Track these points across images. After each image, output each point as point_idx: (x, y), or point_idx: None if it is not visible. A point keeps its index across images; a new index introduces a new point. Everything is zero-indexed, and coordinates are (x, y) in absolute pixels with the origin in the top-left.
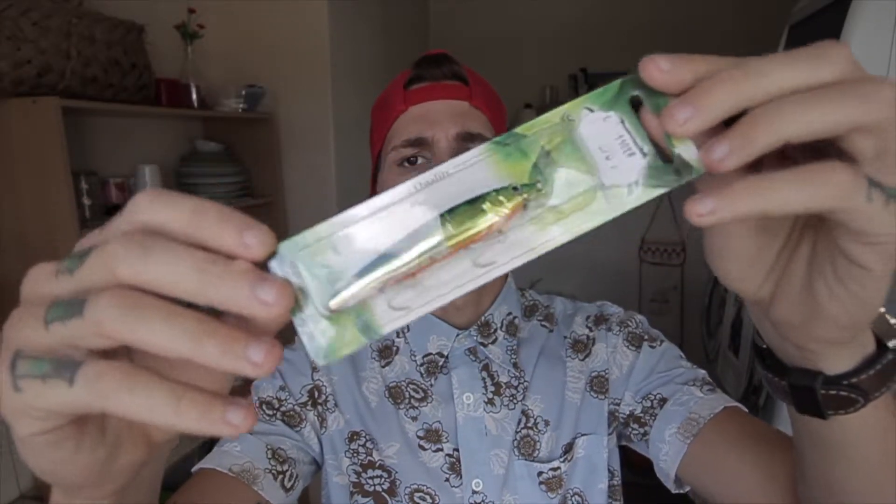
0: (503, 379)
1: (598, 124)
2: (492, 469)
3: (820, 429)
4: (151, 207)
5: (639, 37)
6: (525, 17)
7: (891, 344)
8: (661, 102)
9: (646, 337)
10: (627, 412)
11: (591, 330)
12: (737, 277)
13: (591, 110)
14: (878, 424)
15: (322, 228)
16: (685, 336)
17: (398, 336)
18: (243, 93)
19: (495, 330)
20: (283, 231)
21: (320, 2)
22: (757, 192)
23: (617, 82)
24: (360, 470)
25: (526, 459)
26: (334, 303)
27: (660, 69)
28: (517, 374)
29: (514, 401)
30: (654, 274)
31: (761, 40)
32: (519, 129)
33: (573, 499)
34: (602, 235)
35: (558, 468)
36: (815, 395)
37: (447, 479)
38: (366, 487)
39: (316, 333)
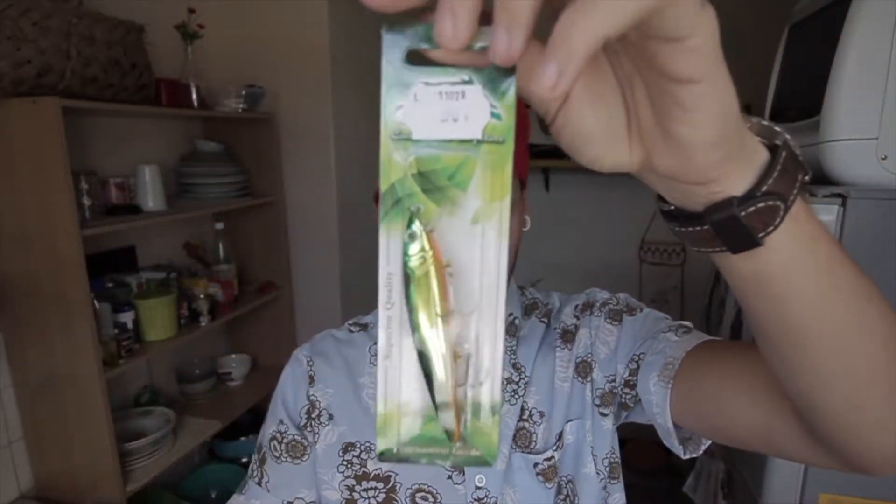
0: (504, 375)
1: (417, 109)
2: (494, 464)
3: (761, 268)
4: None
5: None
6: None
7: (778, 141)
8: (421, 31)
9: (625, 309)
10: (622, 382)
11: (577, 318)
12: (607, 157)
13: (401, 106)
14: (804, 236)
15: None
16: None
17: None
18: (243, 93)
19: None
20: (282, 230)
21: (320, 2)
22: (585, 24)
23: (385, 66)
24: (354, 483)
25: (523, 452)
26: (455, 431)
27: (382, 3)
28: (517, 372)
29: (516, 396)
30: (654, 274)
31: (761, 40)
32: (382, 188)
33: (567, 486)
34: (602, 235)
35: (552, 457)
36: (739, 220)
37: (449, 477)
38: (359, 503)
39: (475, 454)
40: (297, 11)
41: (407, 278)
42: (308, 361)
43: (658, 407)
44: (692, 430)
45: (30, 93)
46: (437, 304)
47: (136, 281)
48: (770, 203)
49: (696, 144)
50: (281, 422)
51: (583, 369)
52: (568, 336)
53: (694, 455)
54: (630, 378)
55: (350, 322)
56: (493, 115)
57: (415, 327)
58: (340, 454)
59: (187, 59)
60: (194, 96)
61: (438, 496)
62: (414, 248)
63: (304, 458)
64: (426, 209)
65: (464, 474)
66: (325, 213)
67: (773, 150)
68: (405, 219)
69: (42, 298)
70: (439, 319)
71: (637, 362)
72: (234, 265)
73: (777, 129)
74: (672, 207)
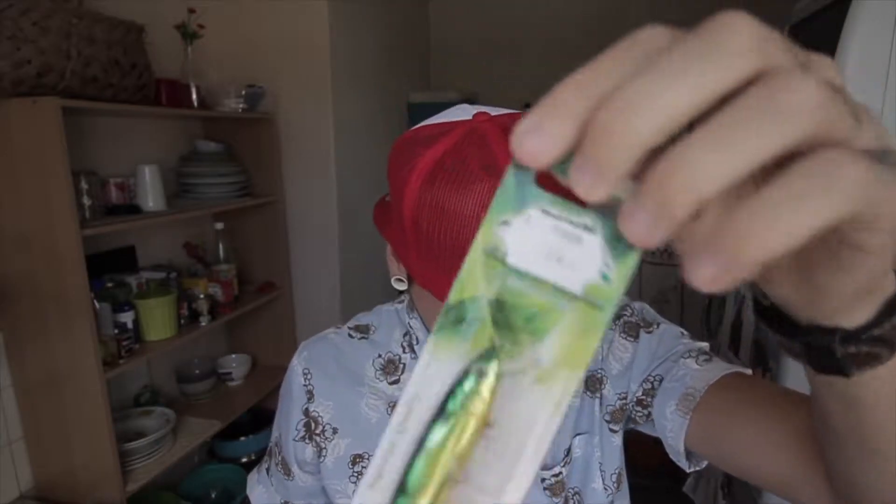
0: None
1: (524, 233)
2: None
3: (841, 384)
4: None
5: None
6: (525, 16)
7: None
8: (566, 162)
9: (642, 324)
10: (635, 400)
11: None
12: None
13: (508, 223)
14: (894, 376)
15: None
16: None
17: (404, 352)
18: (243, 93)
19: None
20: (282, 230)
21: (320, 2)
22: (764, 229)
23: (509, 174)
24: None
25: None
26: None
27: (531, 151)
28: None
29: None
30: (654, 274)
31: None
32: (451, 300)
33: (574, 498)
34: None
35: (559, 473)
36: (835, 354)
37: None
38: None
39: None
40: (297, 11)
41: (439, 412)
42: (305, 374)
43: (672, 432)
44: (704, 458)
45: (30, 93)
46: (457, 463)
47: (136, 281)
48: (875, 350)
49: (834, 296)
50: (280, 436)
51: (592, 384)
52: None
53: (698, 468)
54: (644, 398)
55: (351, 325)
56: (603, 276)
57: (415, 465)
58: (350, 465)
59: (187, 59)
60: (194, 96)
61: None
62: (469, 387)
63: (289, 477)
64: (512, 334)
65: None
66: (325, 213)
67: None
68: (464, 343)
69: (42, 298)
70: (449, 479)
71: (652, 383)
72: (234, 265)
73: None
74: (769, 304)
